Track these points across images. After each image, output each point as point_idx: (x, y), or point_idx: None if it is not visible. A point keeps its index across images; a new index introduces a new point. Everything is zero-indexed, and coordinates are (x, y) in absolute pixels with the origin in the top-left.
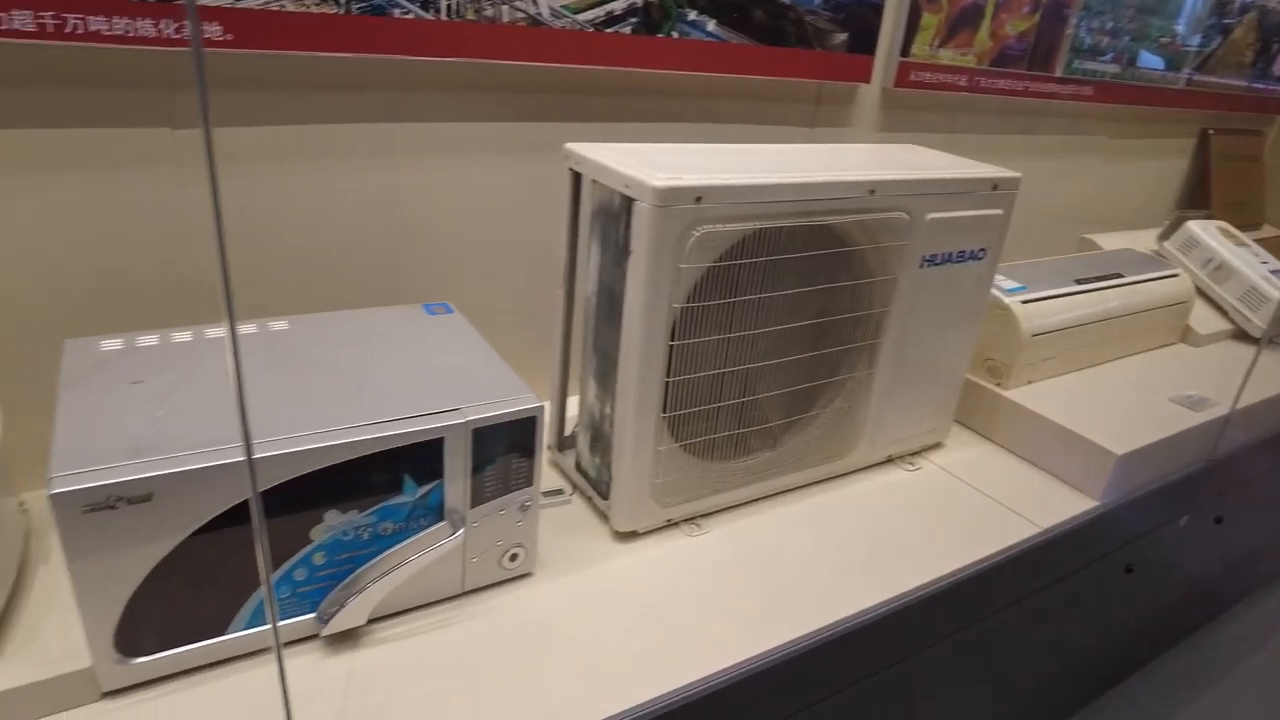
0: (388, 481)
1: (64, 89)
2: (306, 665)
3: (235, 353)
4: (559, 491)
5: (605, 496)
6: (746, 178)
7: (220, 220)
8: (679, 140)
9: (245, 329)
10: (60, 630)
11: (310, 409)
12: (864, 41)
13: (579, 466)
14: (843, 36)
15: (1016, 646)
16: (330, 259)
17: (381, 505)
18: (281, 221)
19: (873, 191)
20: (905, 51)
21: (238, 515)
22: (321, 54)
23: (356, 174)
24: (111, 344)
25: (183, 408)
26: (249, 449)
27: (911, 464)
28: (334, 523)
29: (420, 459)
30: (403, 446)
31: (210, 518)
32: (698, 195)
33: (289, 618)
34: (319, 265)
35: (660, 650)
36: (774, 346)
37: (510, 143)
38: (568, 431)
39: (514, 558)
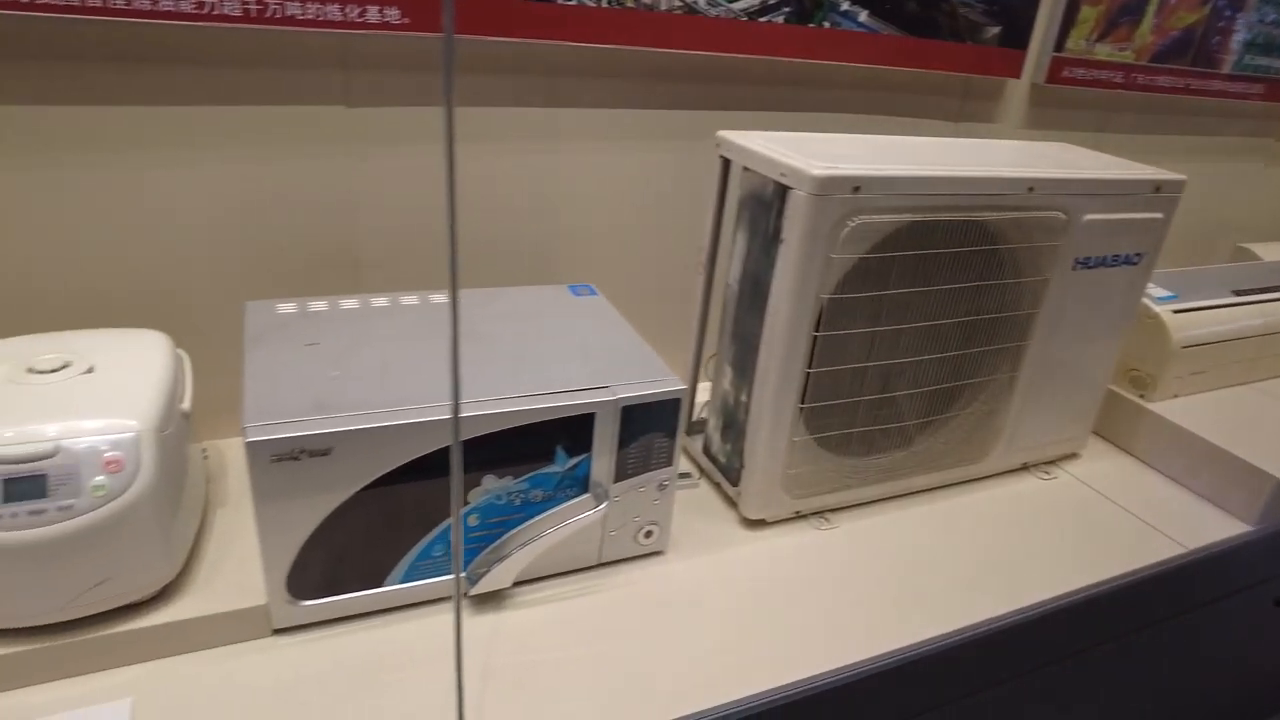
0: (541, 451)
1: (251, 70)
2: (451, 623)
3: (455, 321)
4: (687, 474)
5: (735, 483)
6: (904, 169)
7: (454, 197)
8: (822, 130)
9: (408, 300)
10: (237, 569)
11: (474, 378)
12: (1017, 35)
13: (708, 451)
14: (996, 30)
15: (1145, 674)
16: (483, 238)
17: (534, 473)
18: (442, 200)
19: (1031, 189)
20: (1059, 46)
21: (404, 473)
22: (490, 38)
23: (513, 156)
24: (286, 308)
25: (355, 370)
26: (456, 408)
27: (1047, 473)
28: (491, 487)
29: (572, 432)
30: (558, 419)
31: (379, 475)
32: (855, 185)
33: (440, 575)
34: (473, 243)
35: (786, 640)
36: (917, 343)
37: (656, 129)
38: (696, 416)
39: (649, 535)
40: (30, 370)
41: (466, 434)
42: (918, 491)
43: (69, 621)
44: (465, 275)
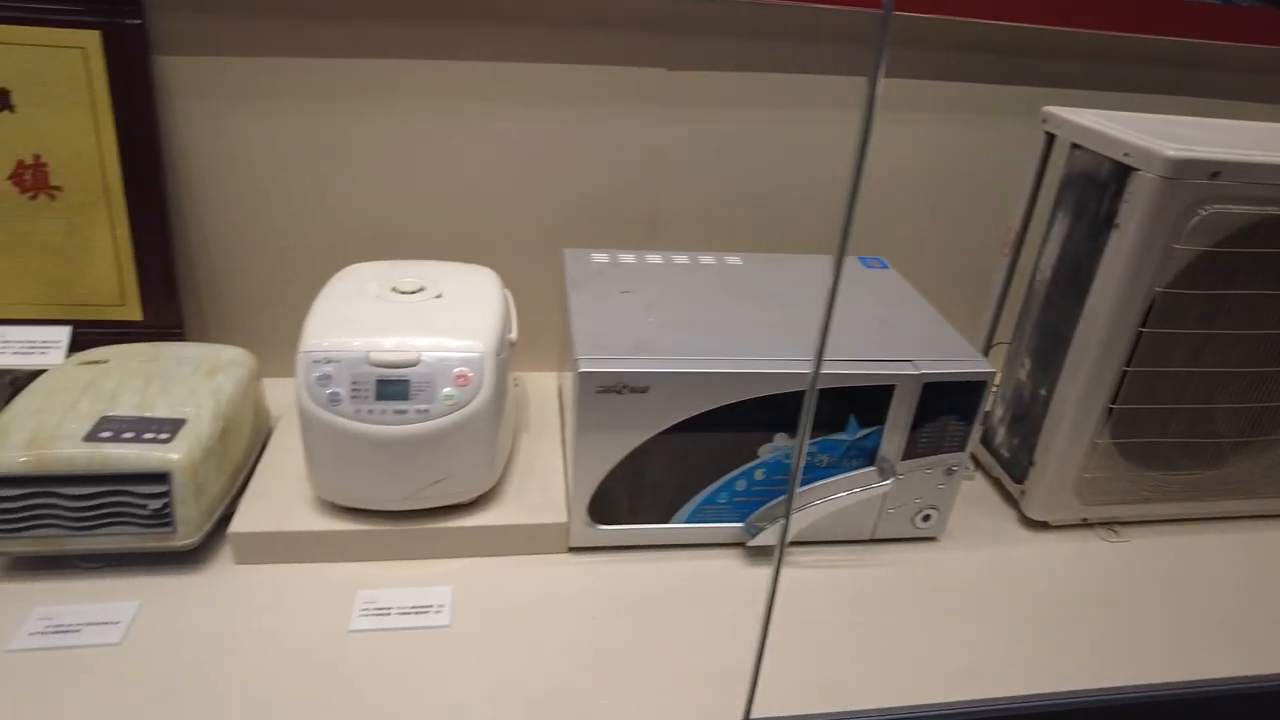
0: (834, 418)
1: (594, 30)
2: (726, 568)
3: (835, 283)
4: None
5: (1019, 480)
6: (1269, 156)
7: (862, 164)
8: (1154, 112)
9: (706, 260)
10: (540, 488)
11: (776, 338)
12: None
13: (988, 443)
14: None
15: None
16: (779, 202)
17: (824, 438)
18: (740, 165)
19: None
20: None
21: (705, 420)
22: (810, 4)
23: (820, 125)
24: (600, 257)
25: (667, 318)
26: (819, 363)
27: None
28: (781, 445)
29: (868, 402)
30: (857, 387)
31: (684, 418)
32: (1214, 170)
33: (721, 521)
34: (770, 207)
35: (1058, 650)
36: (1254, 353)
37: (961, 101)
38: None
39: (926, 518)
40: (395, 290)
41: (772, 389)
42: (1226, 517)
43: (408, 511)
44: (754, 239)
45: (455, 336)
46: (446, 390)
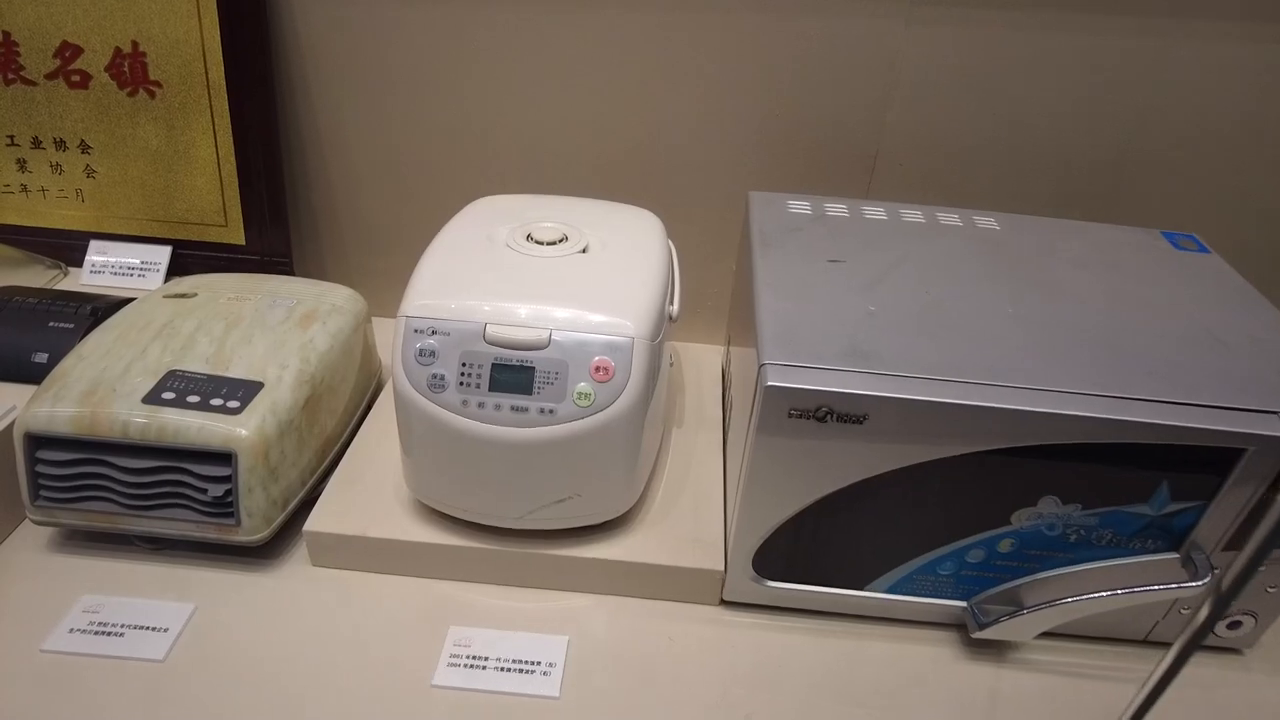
0: (1133, 482)
1: None
2: (935, 659)
3: None
4: None
5: None
6: None
7: None
8: None
9: (948, 218)
10: (691, 514)
11: (1053, 351)
12: None
13: None
14: None
15: None
16: (1044, 152)
17: (1113, 509)
18: (1008, 89)
19: None
20: None
21: (944, 469)
22: None
23: (1157, 40)
24: (799, 206)
25: (895, 307)
26: None
27: None
28: (1046, 511)
29: (1196, 466)
30: (1185, 446)
31: (913, 462)
32: None
33: (937, 597)
34: (1040, 152)
35: None
36: None
37: None
38: None
39: (1234, 625)
40: (529, 238)
41: (1047, 436)
42: None
43: (523, 531)
44: (1015, 193)
45: (599, 310)
46: (581, 386)
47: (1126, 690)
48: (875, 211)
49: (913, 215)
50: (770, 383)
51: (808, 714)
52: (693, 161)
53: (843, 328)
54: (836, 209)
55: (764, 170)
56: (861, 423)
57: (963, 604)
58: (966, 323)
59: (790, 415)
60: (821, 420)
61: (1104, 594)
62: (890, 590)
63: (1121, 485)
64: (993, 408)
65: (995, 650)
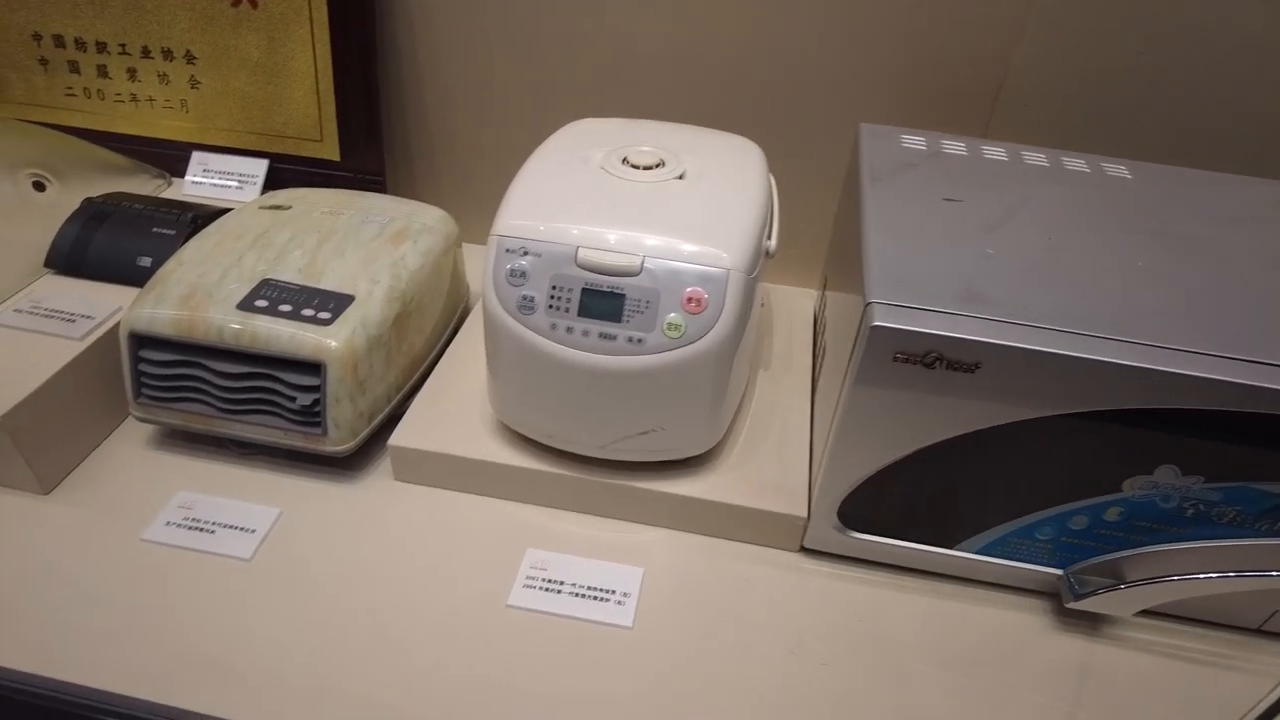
0: (1270, 459)
1: None
2: (1023, 626)
3: None
4: None
5: None
6: None
7: None
8: None
9: (1074, 164)
10: (774, 456)
11: (1193, 312)
12: None
13: None
14: None
15: None
16: (1193, 87)
17: (1240, 485)
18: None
19: None
20: None
21: (1054, 426)
22: None
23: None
24: (913, 141)
25: (1014, 252)
26: None
27: None
28: (1163, 481)
29: None
30: None
31: (1022, 418)
32: None
33: (1031, 562)
34: (1185, 94)
35: None
36: None
37: None
38: None
39: None
40: (625, 161)
41: (1171, 399)
42: None
43: (604, 461)
44: (1154, 141)
45: (694, 239)
46: (671, 316)
47: (1233, 680)
48: (995, 151)
49: (1035, 158)
50: (877, 323)
51: (886, 669)
52: (800, 89)
53: (957, 270)
54: (954, 146)
55: (875, 102)
56: (972, 372)
57: (1058, 572)
58: (1092, 274)
59: (895, 359)
60: (929, 366)
61: (1220, 575)
62: (982, 551)
63: (1254, 460)
64: (1118, 364)
65: (1089, 623)
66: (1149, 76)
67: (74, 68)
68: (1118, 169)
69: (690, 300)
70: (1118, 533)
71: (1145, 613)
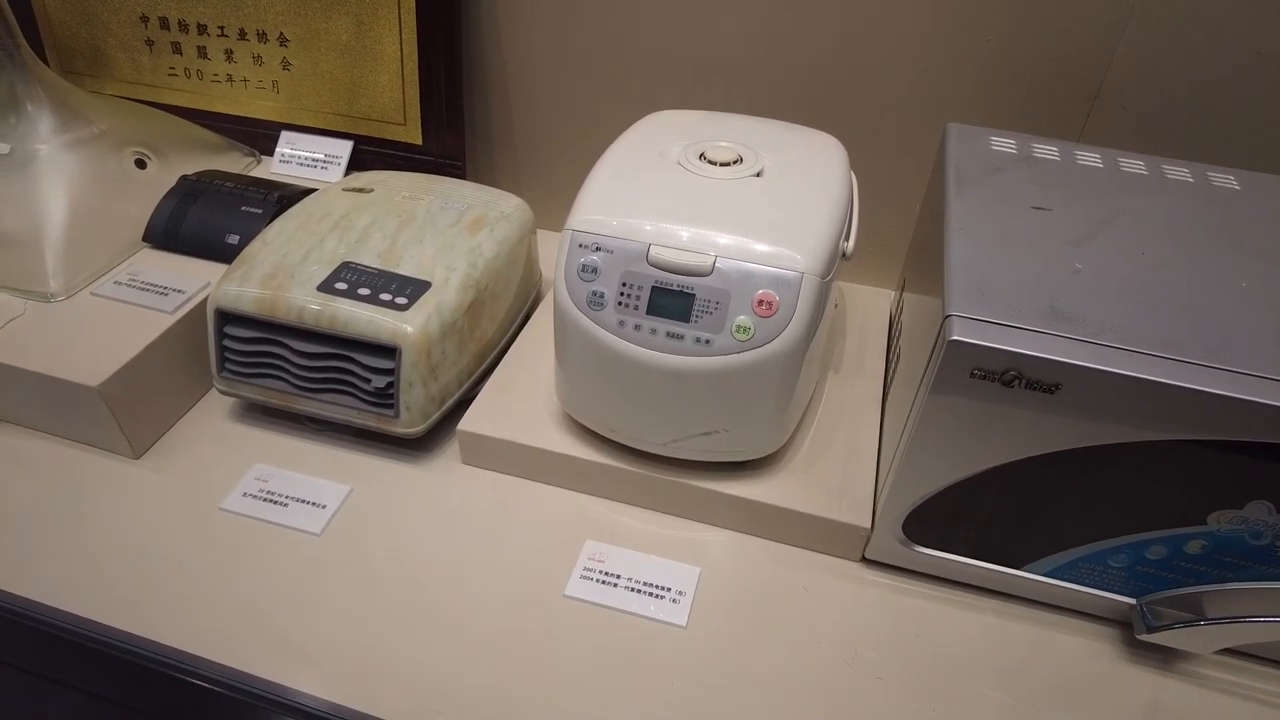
0: None
1: None
2: (1090, 653)
3: None
4: None
5: None
6: None
7: None
8: None
9: (1175, 172)
10: (840, 463)
11: None
12: None
13: None
14: None
15: None
16: None
17: None
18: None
19: None
20: None
21: (1137, 453)
22: None
23: None
24: (1002, 143)
25: (1106, 268)
26: None
27: None
28: (1253, 518)
29: None
30: None
31: (1103, 443)
32: None
33: (1101, 588)
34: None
35: None
36: None
37: None
38: None
39: None
40: (702, 156)
41: (1261, 433)
42: None
43: (667, 458)
44: (1262, 149)
45: (768, 240)
46: (741, 319)
47: None
48: (1089, 157)
49: (1133, 165)
50: (955, 337)
51: (942, 688)
52: (887, 85)
53: (1043, 285)
54: (1045, 150)
55: (964, 101)
56: (1053, 392)
57: (1131, 601)
58: (1189, 294)
59: (973, 375)
60: (1008, 385)
61: None
62: (1051, 574)
63: None
64: (1211, 394)
65: (1161, 656)
66: (1264, 79)
67: (176, 49)
68: (1225, 179)
69: (761, 303)
70: (1199, 566)
71: (1222, 650)
